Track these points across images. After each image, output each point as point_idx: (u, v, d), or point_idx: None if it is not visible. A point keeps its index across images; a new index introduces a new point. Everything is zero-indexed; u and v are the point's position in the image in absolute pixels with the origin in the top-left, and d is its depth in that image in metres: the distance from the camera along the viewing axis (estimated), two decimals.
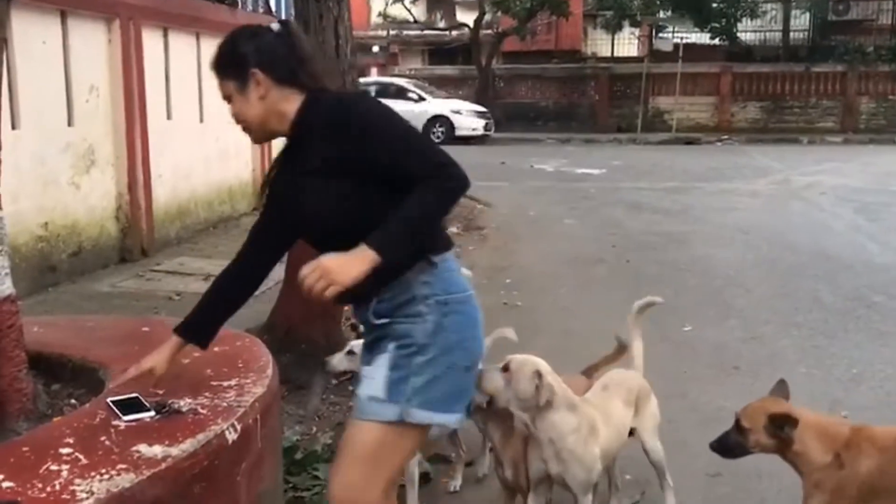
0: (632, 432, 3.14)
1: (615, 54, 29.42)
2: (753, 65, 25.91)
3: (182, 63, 8.74)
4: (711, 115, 25.37)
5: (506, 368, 2.64)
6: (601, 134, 23.94)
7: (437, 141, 20.95)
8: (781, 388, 2.78)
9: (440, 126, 21.63)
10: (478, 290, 7.37)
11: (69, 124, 7.02)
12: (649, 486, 3.47)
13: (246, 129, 2.22)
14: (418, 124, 21.60)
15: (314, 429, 4.16)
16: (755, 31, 27.82)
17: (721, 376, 5.01)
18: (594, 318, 6.05)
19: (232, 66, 2.15)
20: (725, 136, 22.70)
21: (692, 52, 24.26)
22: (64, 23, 7.00)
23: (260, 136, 2.24)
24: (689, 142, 21.92)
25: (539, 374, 2.65)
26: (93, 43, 7.38)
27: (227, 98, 2.19)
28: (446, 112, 21.71)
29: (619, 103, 26.07)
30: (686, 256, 8.29)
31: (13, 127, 6.16)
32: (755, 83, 25.38)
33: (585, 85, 26.88)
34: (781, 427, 2.60)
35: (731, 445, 2.73)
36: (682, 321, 6.07)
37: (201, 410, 2.32)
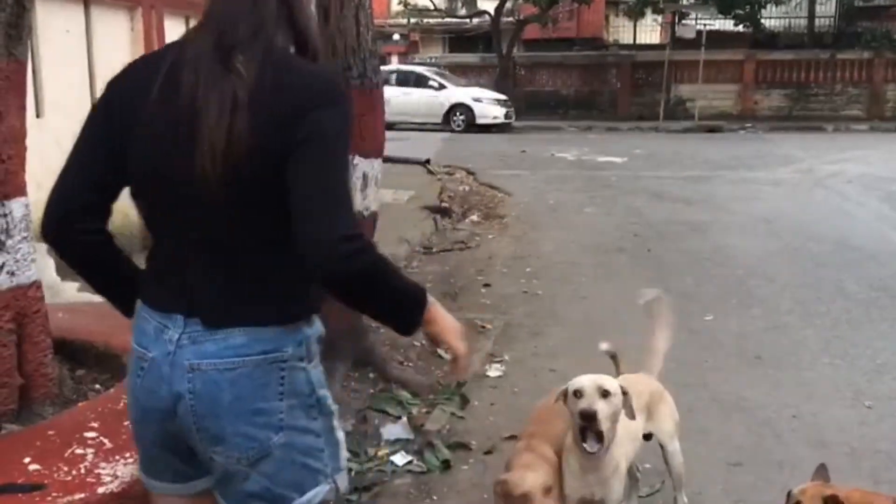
0: (649, 437, 3.03)
1: (637, 41, 29.19)
2: (778, 52, 25.60)
3: None
4: (734, 103, 25.12)
5: (605, 394, 2.57)
6: (623, 122, 23.78)
7: (457, 129, 21.19)
8: (822, 473, 2.70)
9: (460, 114, 21.59)
10: (498, 278, 7.42)
11: None
12: (668, 475, 3.45)
13: None
14: (439, 112, 21.63)
15: None
16: (780, 18, 27.46)
17: (743, 366, 4.97)
18: (615, 307, 6.02)
19: None
20: (748, 125, 22.47)
21: (715, 39, 24.00)
22: (87, 11, 7.05)
23: None
24: (712, 130, 21.72)
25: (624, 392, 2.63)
26: (115, 31, 7.42)
27: None
28: (467, 100, 21.65)
29: (640, 91, 25.88)
30: (708, 246, 8.23)
31: (38, 115, 6.22)
32: (779, 70, 25.08)
33: (607, 73, 26.70)
34: None
35: None
36: (704, 310, 6.04)
37: None
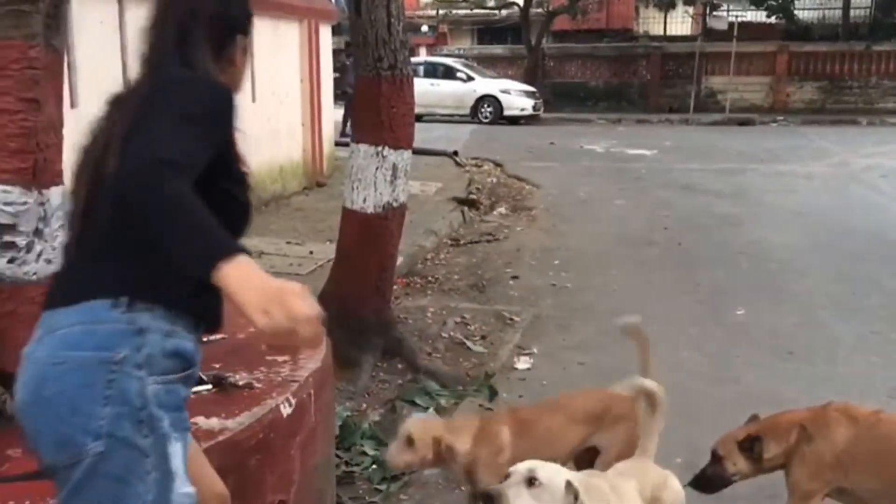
0: None
1: (668, 33, 28.87)
2: (811, 43, 25.19)
3: None
4: (766, 96, 24.78)
5: (532, 482, 2.13)
6: (653, 114, 23.57)
7: (485, 121, 21.13)
8: (753, 420, 3.03)
9: (488, 106, 21.51)
10: (527, 270, 7.42)
11: None
12: None
13: None
14: (467, 104, 21.56)
15: (364, 405, 4.21)
16: (814, 9, 27.03)
17: (775, 362, 4.92)
18: (645, 301, 5.99)
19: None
20: (781, 117, 22.17)
21: (747, 31, 23.68)
22: (120, 2, 7.11)
23: None
24: (743, 123, 21.45)
25: (570, 485, 2.14)
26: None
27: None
28: (495, 92, 21.56)
29: (671, 83, 25.62)
30: (739, 239, 8.15)
31: (72, 105, 6.29)
32: (813, 62, 24.68)
33: (637, 64, 26.45)
34: (751, 448, 2.86)
35: (709, 478, 2.93)
36: (736, 305, 5.98)
37: (257, 384, 2.36)
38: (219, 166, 1.56)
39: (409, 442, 2.76)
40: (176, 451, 1.52)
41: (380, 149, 4.63)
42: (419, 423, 2.85)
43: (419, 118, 16.85)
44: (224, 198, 1.58)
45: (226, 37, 1.75)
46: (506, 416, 3.02)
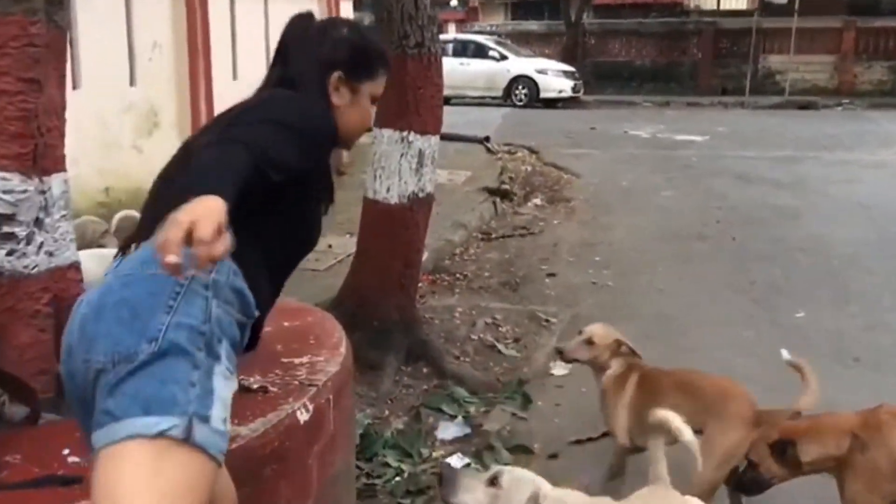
0: None
1: (721, 7, 28.59)
2: (881, 18, 24.80)
3: (249, 20, 8.89)
4: (831, 76, 24.46)
5: (493, 481, 2.17)
6: (704, 97, 23.37)
7: (519, 104, 21.06)
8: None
9: (523, 88, 21.46)
10: (564, 267, 7.38)
11: (131, 84, 7.23)
12: None
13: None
14: (500, 86, 21.52)
15: (386, 412, 4.23)
16: None
17: (838, 368, 4.86)
18: (694, 302, 5.96)
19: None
20: (846, 100, 21.88)
21: (810, 5, 23.35)
22: None
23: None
24: (805, 106, 21.20)
25: (536, 500, 2.14)
26: (155, 1, 7.55)
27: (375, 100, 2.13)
28: (530, 72, 21.51)
29: (724, 62, 25.37)
30: (799, 233, 8.07)
31: (74, 87, 6.38)
32: (883, 39, 24.30)
33: (687, 42, 26.23)
34: (784, 451, 2.89)
35: (747, 482, 3.01)
36: (795, 306, 5.92)
37: (272, 388, 2.38)
38: (297, 182, 1.76)
39: (590, 342, 3.51)
40: (224, 378, 1.59)
41: (405, 134, 4.64)
42: (600, 327, 3.62)
43: (447, 101, 16.84)
44: (288, 214, 1.84)
45: (349, 79, 2.01)
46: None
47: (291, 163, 1.70)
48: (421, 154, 4.68)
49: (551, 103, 21.19)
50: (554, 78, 21.66)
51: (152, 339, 1.52)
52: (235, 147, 1.58)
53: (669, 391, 3.34)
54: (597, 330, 3.58)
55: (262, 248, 1.81)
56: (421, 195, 4.74)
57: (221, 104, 8.30)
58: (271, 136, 1.67)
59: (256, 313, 1.76)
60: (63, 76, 2.63)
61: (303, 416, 2.29)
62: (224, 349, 1.61)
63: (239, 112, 1.80)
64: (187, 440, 1.49)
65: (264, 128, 1.69)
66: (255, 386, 2.37)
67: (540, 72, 21.60)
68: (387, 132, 4.67)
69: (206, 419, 1.52)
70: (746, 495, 3.11)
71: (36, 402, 2.34)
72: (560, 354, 3.73)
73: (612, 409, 3.47)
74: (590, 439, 3.99)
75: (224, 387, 1.59)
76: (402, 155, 4.65)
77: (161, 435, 1.47)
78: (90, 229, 4.44)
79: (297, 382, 2.42)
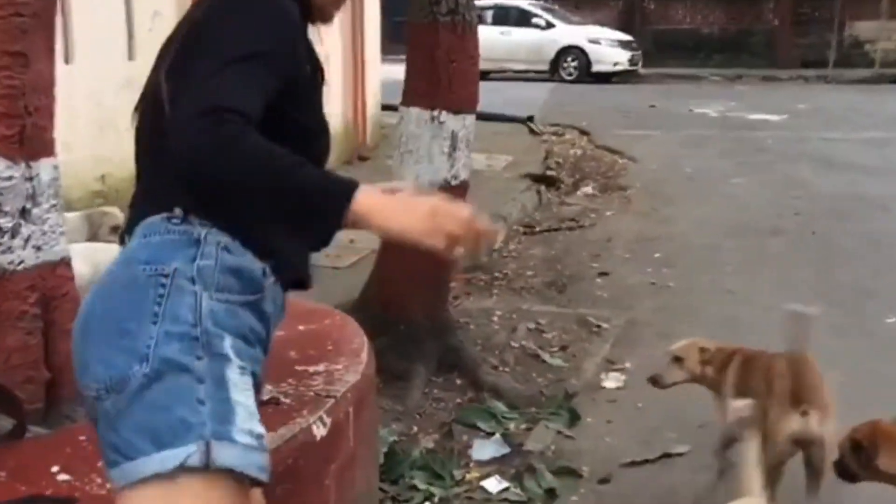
0: None
1: None
2: None
3: None
4: None
5: None
6: (782, 70, 23.16)
7: (568, 79, 21.01)
8: None
9: (573, 60, 21.41)
10: (618, 265, 7.36)
11: (130, 57, 7.30)
12: None
13: None
14: (546, 58, 21.46)
15: (414, 428, 4.24)
16: None
17: None
18: (769, 304, 5.88)
19: None
20: None
21: None
22: None
23: None
24: None
25: None
26: None
27: None
28: (581, 42, 21.45)
29: (805, 30, 25.12)
30: (891, 227, 7.99)
31: (66, 61, 6.46)
32: None
33: (762, 7, 26.03)
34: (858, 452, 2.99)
35: (841, 470, 3.16)
36: (886, 310, 5.86)
37: (284, 399, 2.41)
38: (286, 96, 1.67)
39: (677, 360, 3.77)
40: (239, 380, 1.58)
41: (436, 113, 4.65)
42: (684, 343, 3.86)
43: (486, 75, 16.90)
44: (294, 129, 1.70)
45: None
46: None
47: (273, 95, 1.63)
48: (454, 136, 4.69)
49: (605, 78, 21.12)
50: (608, 48, 21.58)
51: (143, 359, 1.52)
52: (251, 131, 1.51)
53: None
54: (679, 346, 3.84)
55: None
56: (454, 183, 4.75)
57: None
58: (241, 87, 1.56)
59: (270, 279, 1.70)
60: (53, 49, 2.65)
61: (319, 431, 2.31)
62: (230, 345, 1.59)
63: (187, 53, 1.63)
64: (208, 466, 1.49)
65: (227, 79, 1.55)
66: (266, 397, 2.39)
67: (592, 41, 21.54)
68: (415, 111, 4.69)
69: (226, 436, 1.52)
70: (845, 481, 3.22)
71: (22, 414, 2.38)
72: (655, 384, 3.89)
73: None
74: (647, 461, 3.97)
75: (243, 386, 1.59)
76: (432, 137, 4.66)
77: (181, 468, 1.48)
78: (101, 221, 4.49)
79: (312, 393, 2.45)
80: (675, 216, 8.62)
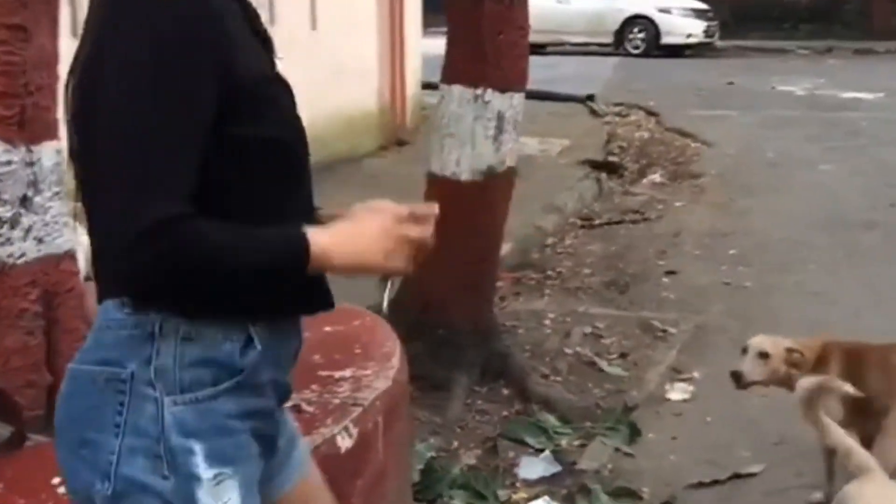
0: None
1: None
2: None
3: None
4: None
5: None
6: (878, 41, 22.78)
7: (634, 52, 20.88)
8: None
9: (640, 31, 21.26)
10: (688, 263, 7.29)
11: None
12: None
13: None
14: (608, 28, 21.32)
15: (454, 443, 4.27)
16: None
17: None
18: (859, 309, 5.86)
19: None
20: None
21: None
22: None
23: None
24: None
25: None
26: None
27: None
28: (649, 10, 21.29)
29: None
30: None
31: (73, 34, 6.59)
32: None
33: None
34: None
35: None
36: None
37: (306, 407, 2.44)
38: (230, 115, 1.54)
39: (763, 356, 3.75)
40: (216, 494, 1.56)
41: (480, 91, 4.67)
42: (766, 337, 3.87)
43: (541, 48, 16.87)
44: (255, 148, 1.58)
45: None
46: None
47: (208, 132, 1.52)
48: (500, 117, 4.70)
49: (677, 51, 20.95)
50: (680, 18, 21.41)
51: (105, 477, 1.52)
52: (188, 224, 1.45)
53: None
54: (764, 341, 3.82)
55: (249, 208, 1.60)
56: (500, 169, 4.77)
57: None
58: (164, 166, 1.47)
59: (256, 350, 1.61)
60: (57, 22, 2.69)
61: (344, 443, 2.35)
62: (202, 458, 1.55)
63: (86, 100, 1.55)
64: None
65: (146, 164, 1.46)
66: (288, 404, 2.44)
67: (662, 10, 21.37)
68: (457, 89, 4.71)
69: None
70: None
71: (22, 421, 2.43)
72: (737, 381, 3.82)
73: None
74: (716, 482, 3.97)
75: (227, 497, 1.58)
76: (475, 118, 4.68)
77: None
78: None
79: (338, 401, 2.49)
80: (754, 208, 8.56)
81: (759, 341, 3.79)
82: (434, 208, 1.71)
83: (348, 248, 1.58)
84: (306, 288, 1.65)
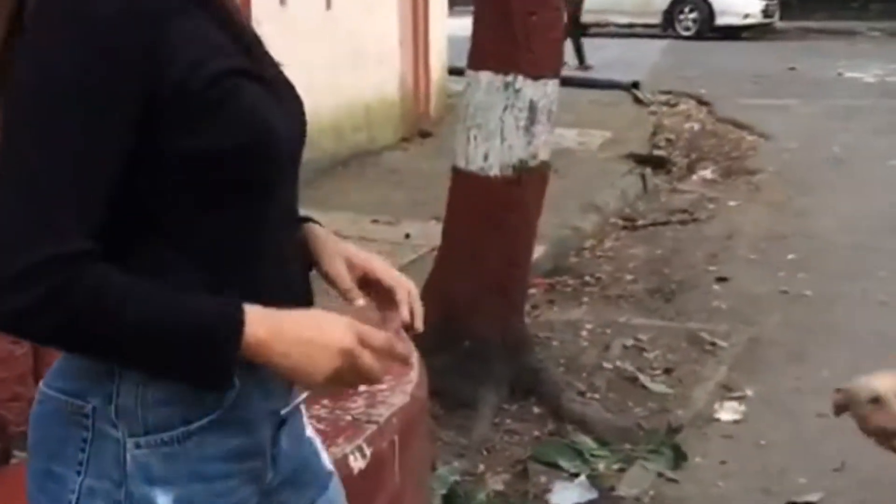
0: None
1: None
2: None
3: None
4: None
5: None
6: None
7: (685, 34, 20.81)
8: None
9: (691, 10, 21.23)
10: (742, 269, 7.26)
11: None
12: None
13: None
14: (657, 7, 21.30)
15: (480, 466, 4.29)
16: None
17: None
18: None
19: None
20: None
21: None
22: None
23: None
24: None
25: None
26: None
27: None
28: None
29: None
30: None
31: None
32: None
33: None
34: None
35: None
36: None
37: (315, 424, 2.47)
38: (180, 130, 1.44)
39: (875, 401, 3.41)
40: None
41: (510, 78, 4.68)
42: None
43: (583, 31, 16.85)
44: (201, 160, 1.47)
45: None
46: None
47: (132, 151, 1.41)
48: (533, 107, 4.72)
49: (733, 33, 20.91)
50: None
51: None
52: (89, 273, 1.35)
53: None
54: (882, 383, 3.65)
55: (207, 239, 1.52)
56: (532, 164, 4.79)
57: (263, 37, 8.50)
58: (63, 191, 1.35)
59: (235, 386, 1.51)
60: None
61: (357, 464, 2.37)
62: (169, 501, 1.53)
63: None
64: None
65: (38, 184, 1.34)
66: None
67: None
68: (484, 76, 4.73)
69: None
70: None
71: (7, 437, 2.48)
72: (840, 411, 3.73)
73: None
74: None
75: None
76: (505, 108, 4.69)
77: None
78: None
79: (350, 417, 2.51)
80: (817, 208, 8.54)
81: (874, 385, 3.65)
82: (397, 343, 1.52)
83: (292, 350, 1.43)
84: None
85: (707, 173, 9.78)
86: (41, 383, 1.58)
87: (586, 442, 4.47)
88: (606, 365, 5.31)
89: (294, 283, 1.62)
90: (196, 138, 1.43)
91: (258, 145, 1.48)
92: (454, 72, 11.25)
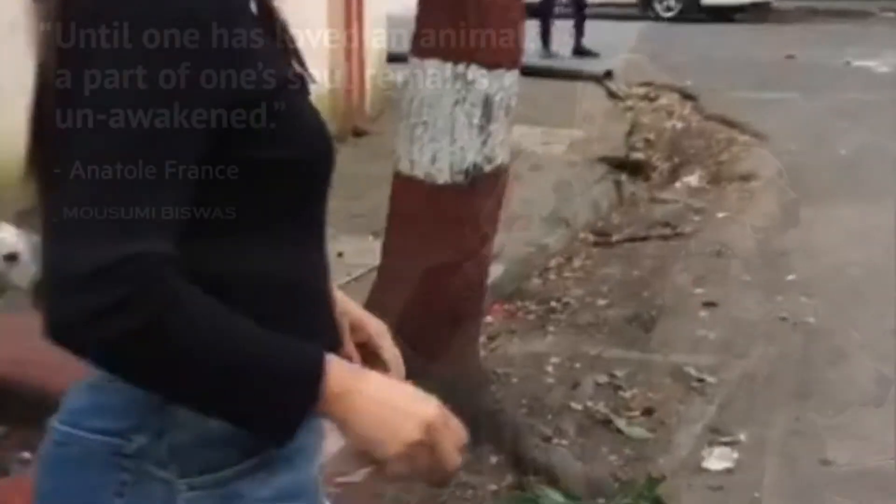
0: None
1: None
2: None
3: None
4: None
5: None
6: None
7: (665, 16, 20.97)
8: None
9: None
10: (733, 291, 7.30)
11: None
12: None
13: None
14: None
15: None
16: None
17: None
18: None
19: None
20: None
21: None
22: None
23: None
24: None
25: None
26: None
27: None
28: None
29: None
30: None
31: None
32: None
33: None
34: None
35: None
36: None
37: None
38: (241, 137, 1.53)
39: None
40: None
41: (461, 68, 4.72)
42: None
43: (548, 10, 16.92)
44: (268, 170, 1.57)
45: None
46: None
47: (207, 159, 1.49)
48: (488, 101, 4.74)
49: (723, 14, 21.10)
50: None
51: None
52: (174, 290, 1.38)
53: None
54: None
55: (272, 228, 1.61)
56: (488, 168, 4.80)
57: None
58: (145, 196, 1.40)
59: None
60: None
61: None
62: None
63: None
64: None
65: (119, 186, 1.38)
66: None
67: None
68: (431, 65, 4.74)
69: None
70: None
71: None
72: None
73: None
74: None
75: None
76: (456, 102, 4.71)
77: None
78: None
79: None
80: (821, 220, 8.60)
81: None
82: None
83: (374, 410, 1.46)
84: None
85: (692, 180, 9.84)
86: (56, 423, 1.58)
87: (553, 496, 4.50)
88: (576, 405, 5.33)
89: (333, 323, 1.73)
90: (262, 149, 1.51)
91: (316, 156, 1.64)
92: (395, 59, 11.23)
